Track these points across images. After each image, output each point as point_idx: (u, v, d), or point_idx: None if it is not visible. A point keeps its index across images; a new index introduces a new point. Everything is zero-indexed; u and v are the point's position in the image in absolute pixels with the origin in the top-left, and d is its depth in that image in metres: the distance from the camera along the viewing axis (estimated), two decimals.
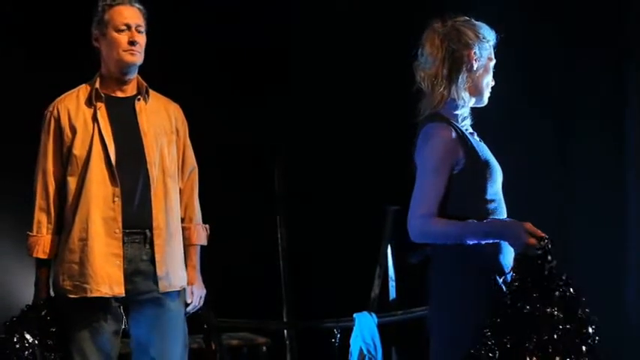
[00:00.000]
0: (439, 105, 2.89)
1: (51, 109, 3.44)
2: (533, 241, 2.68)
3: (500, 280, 2.78)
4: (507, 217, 2.89)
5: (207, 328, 4.84)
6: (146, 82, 3.51)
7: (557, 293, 2.65)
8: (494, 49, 2.96)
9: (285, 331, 5.37)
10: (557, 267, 2.67)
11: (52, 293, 3.43)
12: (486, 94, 2.97)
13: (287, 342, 5.34)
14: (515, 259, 2.73)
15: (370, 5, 5.32)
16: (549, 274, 2.66)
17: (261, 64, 5.43)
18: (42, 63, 4.81)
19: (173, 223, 3.47)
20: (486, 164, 2.86)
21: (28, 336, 3.30)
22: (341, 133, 5.39)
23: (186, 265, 3.55)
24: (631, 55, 4.72)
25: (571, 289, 2.66)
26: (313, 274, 5.45)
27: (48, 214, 3.42)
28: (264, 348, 5.15)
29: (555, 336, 2.61)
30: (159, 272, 3.39)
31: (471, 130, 2.95)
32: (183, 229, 3.57)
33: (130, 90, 3.49)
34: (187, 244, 3.58)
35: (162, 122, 3.51)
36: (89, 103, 3.43)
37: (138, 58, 3.42)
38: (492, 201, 2.86)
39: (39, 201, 3.42)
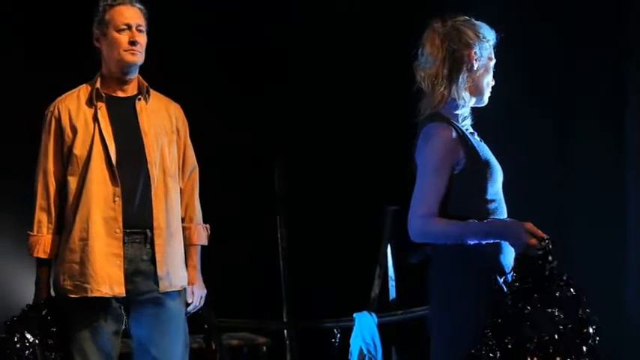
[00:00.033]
0: (439, 105, 2.89)
1: (52, 109, 3.44)
2: (533, 241, 2.68)
3: (501, 281, 2.78)
4: (508, 217, 2.88)
5: (208, 328, 4.84)
6: (146, 82, 3.51)
7: (557, 293, 2.65)
8: (494, 48, 2.96)
9: (285, 331, 5.37)
10: (557, 267, 2.67)
11: (52, 293, 3.43)
12: (487, 94, 2.97)
13: (287, 342, 5.34)
14: (516, 260, 2.73)
15: (370, 5, 5.32)
16: (550, 274, 2.66)
17: (261, 64, 5.43)
18: (42, 63, 4.81)
19: (173, 223, 3.47)
20: (487, 164, 2.86)
21: (28, 335, 3.30)
22: (341, 133, 5.39)
23: (186, 265, 3.55)
24: (631, 55, 4.72)
25: (572, 290, 2.67)
26: (313, 274, 5.44)
27: (48, 213, 3.41)
28: (265, 348, 5.15)
29: (556, 336, 2.61)
30: (159, 272, 3.39)
31: (471, 129, 2.95)
32: (184, 228, 3.57)
33: (131, 90, 3.49)
34: (188, 244, 3.58)
35: (162, 122, 3.51)
36: (90, 103, 3.43)
37: (138, 57, 3.42)
38: (493, 201, 2.86)
39: (39, 201, 3.42)
